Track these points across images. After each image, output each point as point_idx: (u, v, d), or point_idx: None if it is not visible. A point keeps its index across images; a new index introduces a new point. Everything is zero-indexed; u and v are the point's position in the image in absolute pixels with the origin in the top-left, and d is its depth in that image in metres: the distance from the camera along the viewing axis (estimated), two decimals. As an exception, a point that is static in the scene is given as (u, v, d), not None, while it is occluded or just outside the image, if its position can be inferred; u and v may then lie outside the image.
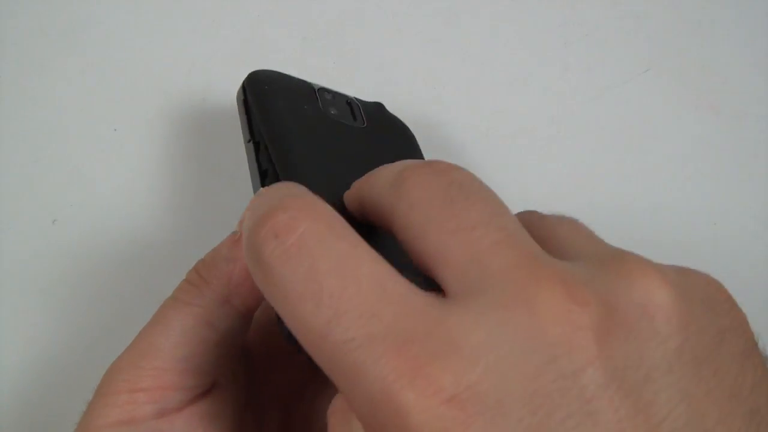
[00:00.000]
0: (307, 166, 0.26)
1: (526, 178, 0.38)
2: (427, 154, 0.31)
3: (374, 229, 0.21)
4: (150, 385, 0.23)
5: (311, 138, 0.28)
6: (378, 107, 0.32)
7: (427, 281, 0.18)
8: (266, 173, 0.27)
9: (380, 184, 0.20)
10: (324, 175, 0.26)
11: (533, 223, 0.19)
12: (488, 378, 0.14)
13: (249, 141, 0.29)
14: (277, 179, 0.26)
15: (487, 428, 0.14)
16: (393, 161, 0.26)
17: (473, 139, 0.39)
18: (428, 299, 0.16)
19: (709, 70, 0.41)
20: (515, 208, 0.19)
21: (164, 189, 0.37)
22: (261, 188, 0.22)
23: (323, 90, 0.31)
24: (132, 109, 0.38)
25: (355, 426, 0.17)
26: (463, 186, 0.18)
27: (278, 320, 0.23)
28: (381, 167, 0.21)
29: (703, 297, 0.17)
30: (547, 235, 0.19)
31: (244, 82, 0.30)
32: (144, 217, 0.36)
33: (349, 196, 0.22)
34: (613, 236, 0.42)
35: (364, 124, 0.31)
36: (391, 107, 0.33)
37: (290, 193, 0.18)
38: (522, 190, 0.37)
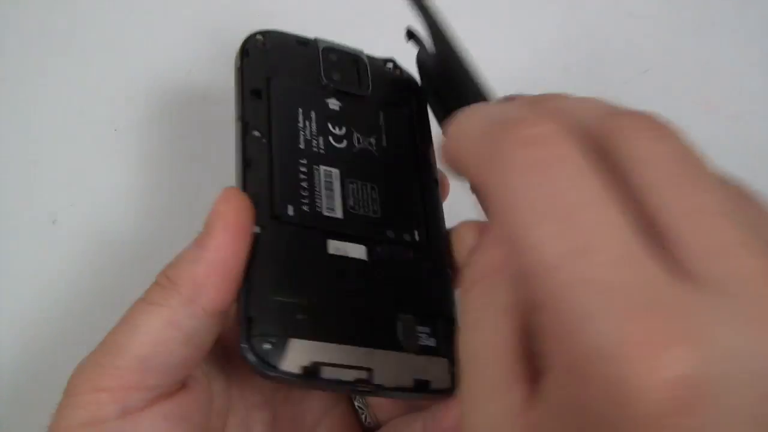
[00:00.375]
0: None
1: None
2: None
3: None
4: (112, 385, 0.23)
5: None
6: (388, 66, 0.31)
7: None
8: (249, 163, 0.25)
9: (590, 115, 0.18)
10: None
11: None
12: (724, 383, 0.14)
13: (239, 119, 0.27)
14: (261, 166, 0.25)
15: (706, 428, 0.14)
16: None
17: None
18: (671, 273, 0.15)
19: (708, 70, 0.41)
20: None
21: (164, 189, 0.37)
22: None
23: (328, 50, 0.30)
24: (132, 109, 0.38)
25: (500, 300, 0.16)
26: (691, 158, 0.17)
27: (241, 344, 0.23)
28: (568, 100, 0.19)
29: None
30: None
31: (243, 44, 0.28)
32: (144, 217, 0.36)
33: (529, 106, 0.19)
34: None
35: (368, 89, 0.29)
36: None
37: (542, 114, 0.17)
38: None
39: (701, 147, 0.43)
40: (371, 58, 0.31)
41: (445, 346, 0.25)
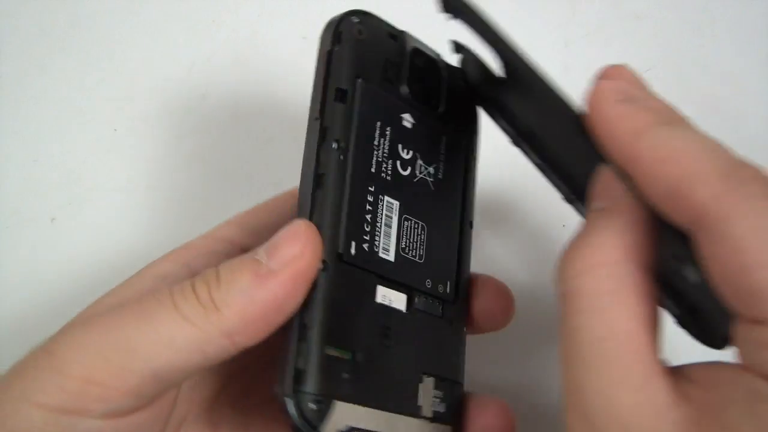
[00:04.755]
0: None
1: (527, 179, 0.38)
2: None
3: None
4: (111, 384, 0.21)
5: None
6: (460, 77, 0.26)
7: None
8: (320, 182, 0.22)
9: (705, 177, 0.18)
10: None
11: None
12: None
13: (316, 120, 0.23)
14: (332, 187, 0.22)
15: None
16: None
17: (473, 139, 0.39)
18: None
19: (709, 70, 0.41)
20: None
21: (164, 189, 0.37)
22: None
23: (416, 52, 0.25)
24: (132, 109, 0.38)
25: (635, 287, 0.18)
26: None
27: (284, 395, 0.21)
28: (695, 152, 0.19)
29: None
30: None
31: (336, 25, 0.24)
32: (143, 216, 0.36)
33: (649, 169, 0.19)
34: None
35: (441, 106, 0.26)
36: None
37: None
38: (522, 190, 0.37)
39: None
40: (450, 67, 0.26)
41: (452, 412, 0.24)
